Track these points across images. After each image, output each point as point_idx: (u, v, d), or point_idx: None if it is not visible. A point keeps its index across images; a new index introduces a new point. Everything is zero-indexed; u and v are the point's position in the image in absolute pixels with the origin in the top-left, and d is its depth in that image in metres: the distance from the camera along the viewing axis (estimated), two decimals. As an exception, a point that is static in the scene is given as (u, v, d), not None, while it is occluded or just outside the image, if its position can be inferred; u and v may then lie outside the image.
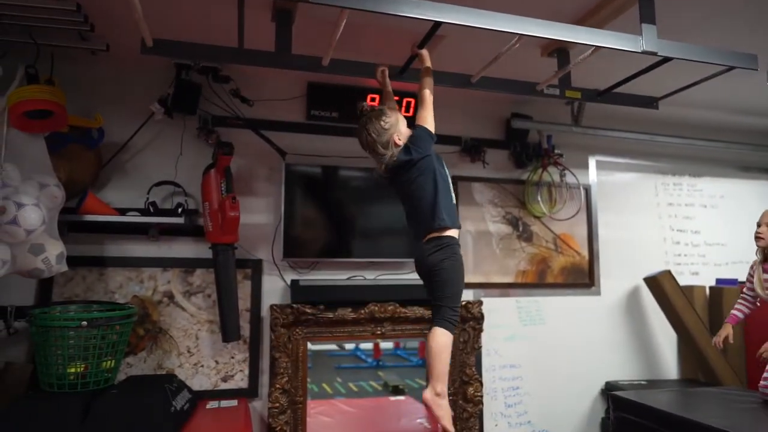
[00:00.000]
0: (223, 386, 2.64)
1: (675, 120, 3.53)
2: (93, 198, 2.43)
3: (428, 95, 1.96)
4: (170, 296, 2.62)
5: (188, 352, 2.62)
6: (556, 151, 3.25)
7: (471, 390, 2.90)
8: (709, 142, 3.57)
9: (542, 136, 3.23)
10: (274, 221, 2.80)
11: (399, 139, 1.91)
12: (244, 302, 2.71)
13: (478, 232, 3.17)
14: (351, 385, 6.06)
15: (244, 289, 2.72)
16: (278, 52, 1.96)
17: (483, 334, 2.98)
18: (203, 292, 2.67)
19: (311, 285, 2.75)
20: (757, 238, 2.38)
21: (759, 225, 2.40)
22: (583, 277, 3.36)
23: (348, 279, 2.89)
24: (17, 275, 2.06)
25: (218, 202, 2.50)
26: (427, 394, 1.69)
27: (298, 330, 2.70)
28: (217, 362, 2.65)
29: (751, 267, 2.51)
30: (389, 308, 2.78)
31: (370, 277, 2.93)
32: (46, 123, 2.10)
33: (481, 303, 2.97)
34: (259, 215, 2.81)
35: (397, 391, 4.61)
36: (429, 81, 1.97)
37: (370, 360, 6.91)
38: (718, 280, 3.50)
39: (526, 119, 3.19)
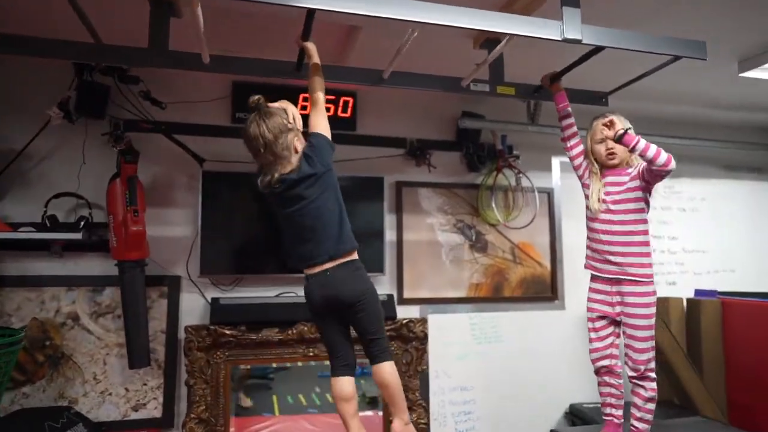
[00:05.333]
0: (134, 416, 2.42)
1: (648, 115, 3.21)
2: (-18, 212, 2.22)
3: (320, 97, 1.71)
4: (75, 318, 2.40)
5: (94, 379, 2.39)
6: (514, 152, 2.98)
7: (413, 417, 2.64)
8: (689, 140, 3.25)
9: (496, 136, 2.95)
10: (193, 234, 2.57)
11: (299, 144, 1.68)
12: (159, 323, 2.49)
13: (424, 243, 2.90)
14: (328, 396, 5.83)
15: (159, 309, 2.50)
16: (151, 48, 1.72)
17: (430, 355, 2.73)
18: (113, 313, 2.45)
19: (232, 303, 2.52)
20: (611, 154, 1.94)
21: (602, 141, 1.92)
22: (545, 290, 3.07)
23: (277, 296, 2.65)
24: None
25: (123, 214, 2.28)
26: (399, 426, 1.69)
27: (218, 353, 2.48)
28: (127, 390, 2.43)
29: (589, 166, 1.99)
30: (320, 328, 2.53)
31: (302, 293, 2.68)
32: None
33: (425, 321, 2.72)
34: (177, 227, 2.58)
35: (373, 402, 4.37)
36: (319, 80, 1.71)
37: (353, 368, 6.67)
38: (697, 291, 3.19)
39: (477, 118, 2.90)
